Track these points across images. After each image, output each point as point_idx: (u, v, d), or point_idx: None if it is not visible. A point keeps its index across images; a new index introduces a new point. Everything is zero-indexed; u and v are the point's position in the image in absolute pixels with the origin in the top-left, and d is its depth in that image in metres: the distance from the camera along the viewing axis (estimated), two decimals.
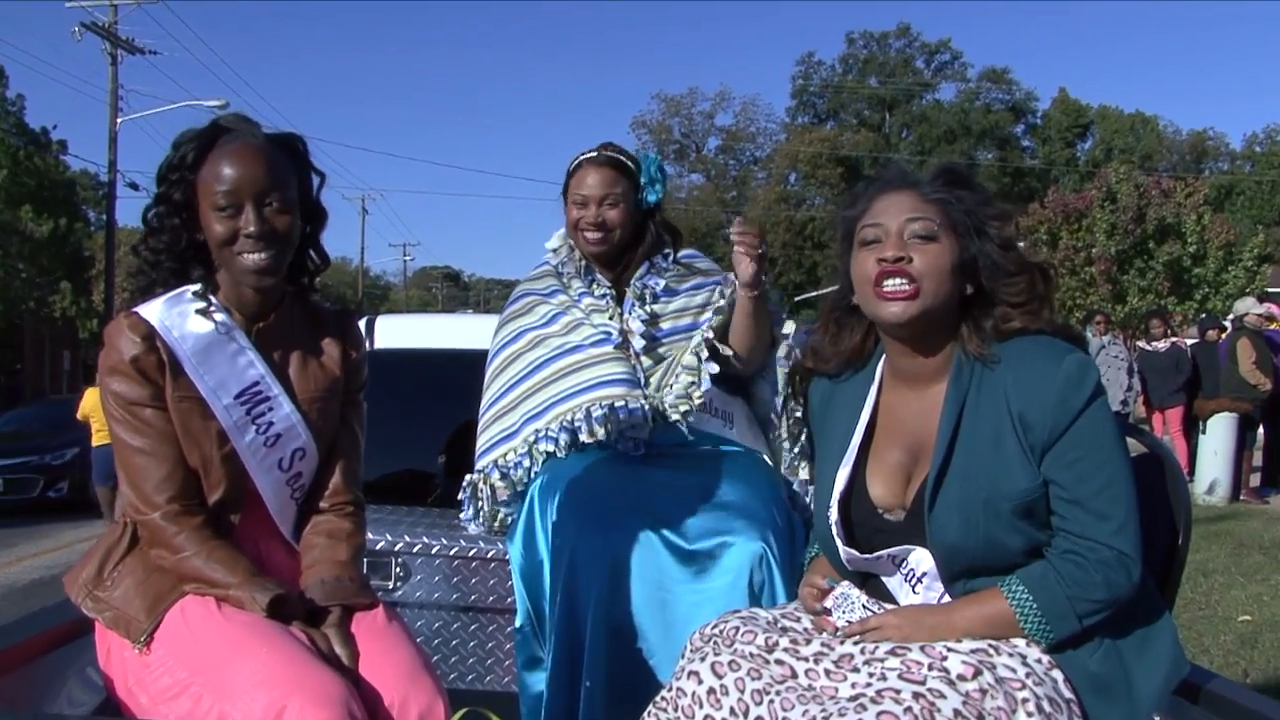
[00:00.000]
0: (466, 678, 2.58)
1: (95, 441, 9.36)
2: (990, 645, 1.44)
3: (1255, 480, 10.12)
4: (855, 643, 1.48)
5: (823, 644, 1.51)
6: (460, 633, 2.59)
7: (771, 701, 1.42)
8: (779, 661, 1.48)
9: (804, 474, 2.29)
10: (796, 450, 2.29)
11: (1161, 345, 10.26)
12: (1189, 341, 10.80)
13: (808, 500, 2.26)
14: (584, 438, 2.20)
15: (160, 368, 1.63)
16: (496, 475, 2.29)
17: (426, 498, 3.02)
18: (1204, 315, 14.92)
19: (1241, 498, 9.36)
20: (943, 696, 1.34)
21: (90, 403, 9.56)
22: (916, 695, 1.34)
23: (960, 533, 1.47)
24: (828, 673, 1.45)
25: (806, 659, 1.48)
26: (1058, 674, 1.44)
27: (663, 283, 2.36)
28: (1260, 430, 9.95)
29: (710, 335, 2.30)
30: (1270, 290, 17.98)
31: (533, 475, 2.25)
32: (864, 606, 1.54)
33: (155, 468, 1.62)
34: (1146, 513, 1.50)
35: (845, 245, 1.63)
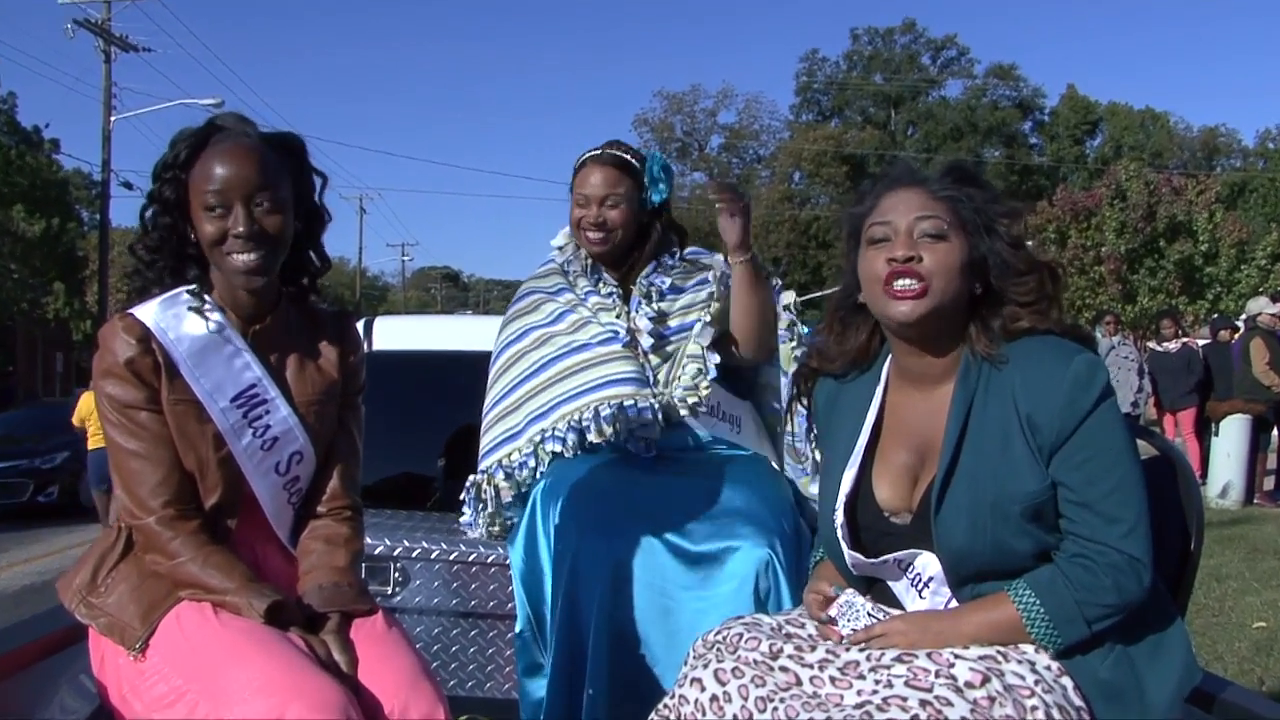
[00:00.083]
0: (466, 684, 2.58)
1: (91, 445, 9.37)
2: (998, 652, 1.44)
3: (1269, 483, 10.10)
4: (861, 649, 1.48)
5: (828, 651, 1.51)
6: (460, 639, 2.59)
7: (775, 709, 1.42)
8: (783, 669, 1.48)
9: (814, 489, 2.30)
10: (806, 462, 2.29)
11: (1173, 346, 10.25)
12: (1201, 342, 10.79)
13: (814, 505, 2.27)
14: (592, 437, 2.20)
15: (155, 370, 1.63)
16: (501, 476, 2.29)
17: (426, 502, 3.02)
18: (1216, 315, 14.91)
19: (1255, 501, 9.34)
20: (950, 704, 1.34)
21: (86, 407, 9.57)
22: (923, 703, 1.34)
23: (967, 536, 1.47)
24: (833, 680, 1.45)
25: (811, 666, 1.48)
26: (1067, 681, 1.44)
27: (669, 280, 2.37)
28: (1275, 432, 9.95)
29: (708, 319, 2.30)
30: None
31: (538, 476, 2.25)
32: (869, 614, 1.54)
33: (150, 472, 1.62)
34: (1158, 516, 1.49)
35: (852, 243, 1.63)
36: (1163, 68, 72.55)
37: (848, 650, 1.50)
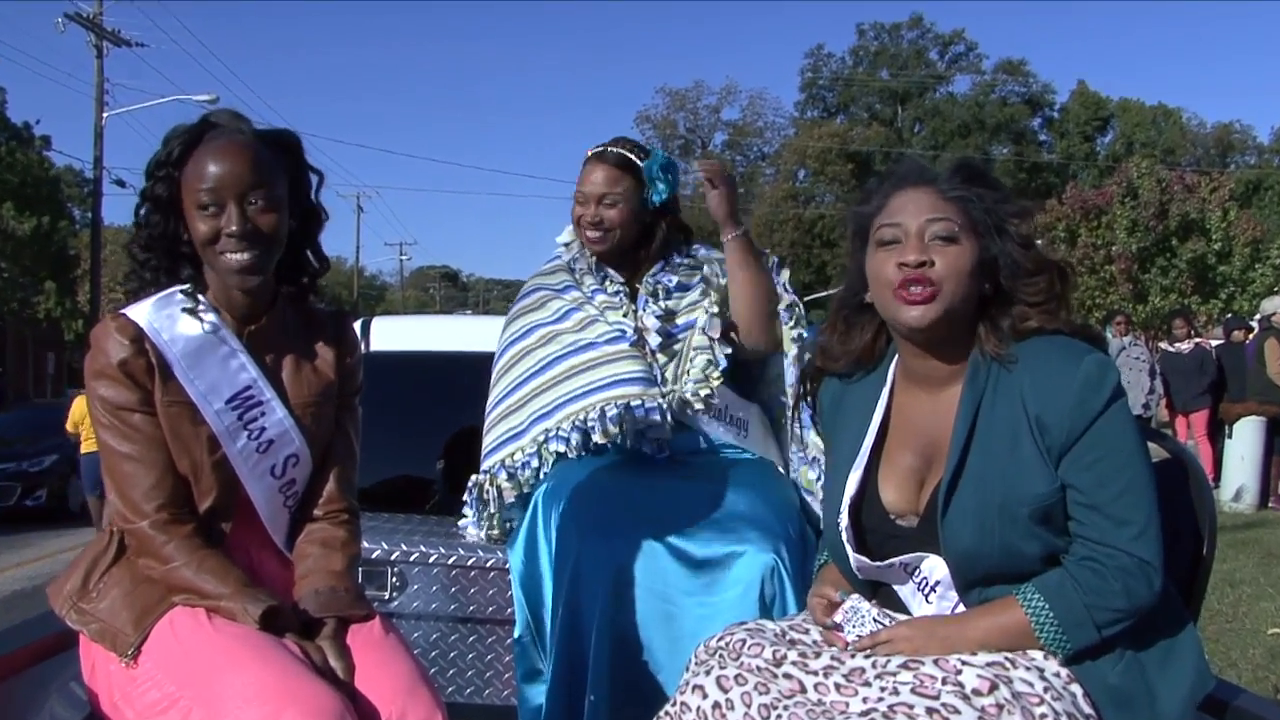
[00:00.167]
0: (465, 691, 2.58)
1: (84, 449, 9.38)
2: (1006, 658, 1.44)
3: None
4: (866, 656, 1.48)
5: (833, 657, 1.51)
6: (459, 644, 2.59)
7: (779, 716, 1.42)
8: (787, 675, 1.48)
9: (811, 475, 2.30)
10: (807, 450, 2.29)
11: (1185, 346, 10.24)
12: (1214, 342, 10.78)
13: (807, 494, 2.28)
14: (597, 438, 2.20)
15: (149, 371, 1.63)
16: (504, 476, 2.29)
17: (424, 505, 3.02)
18: (1229, 315, 14.92)
19: (1270, 505, 9.33)
20: (957, 712, 1.34)
21: (79, 411, 9.57)
22: (930, 711, 1.34)
23: (975, 539, 1.48)
24: (838, 687, 1.45)
25: (816, 673, 1.48)
26: (1076, 688, 1.44)
27: (676, 278, 2.38)
28: None
29: (714, 310, 2.31)
30: None
31: (541, 476, 2.25)
32: (875, 619, 1.54)
33: (144, 475, 1.62)
34: (1169, 520, 1.49)
35: (858, 243, 1.63)
36: (1175, 63, 72.62)
37: (853, 656, 1.50)
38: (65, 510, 11.72)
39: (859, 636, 1.52)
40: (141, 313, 1.66)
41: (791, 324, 2.32)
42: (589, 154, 2.39)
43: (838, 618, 1.56)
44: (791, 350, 2.30)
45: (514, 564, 2.23)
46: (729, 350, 2.29)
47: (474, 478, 2.36)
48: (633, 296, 2.38)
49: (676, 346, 2.33)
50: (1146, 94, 59.48)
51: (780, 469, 2.36)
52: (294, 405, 1.73)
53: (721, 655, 1.54)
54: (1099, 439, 1.45)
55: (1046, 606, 1.44)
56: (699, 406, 2.26)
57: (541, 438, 2.25)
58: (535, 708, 2.15)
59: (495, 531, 2.40)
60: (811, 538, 2.13)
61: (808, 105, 48.16)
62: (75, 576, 1.68)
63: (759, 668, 1.49)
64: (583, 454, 2.23)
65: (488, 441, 2.36)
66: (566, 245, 2.49)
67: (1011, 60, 47.02)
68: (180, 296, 1.68)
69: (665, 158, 2.37)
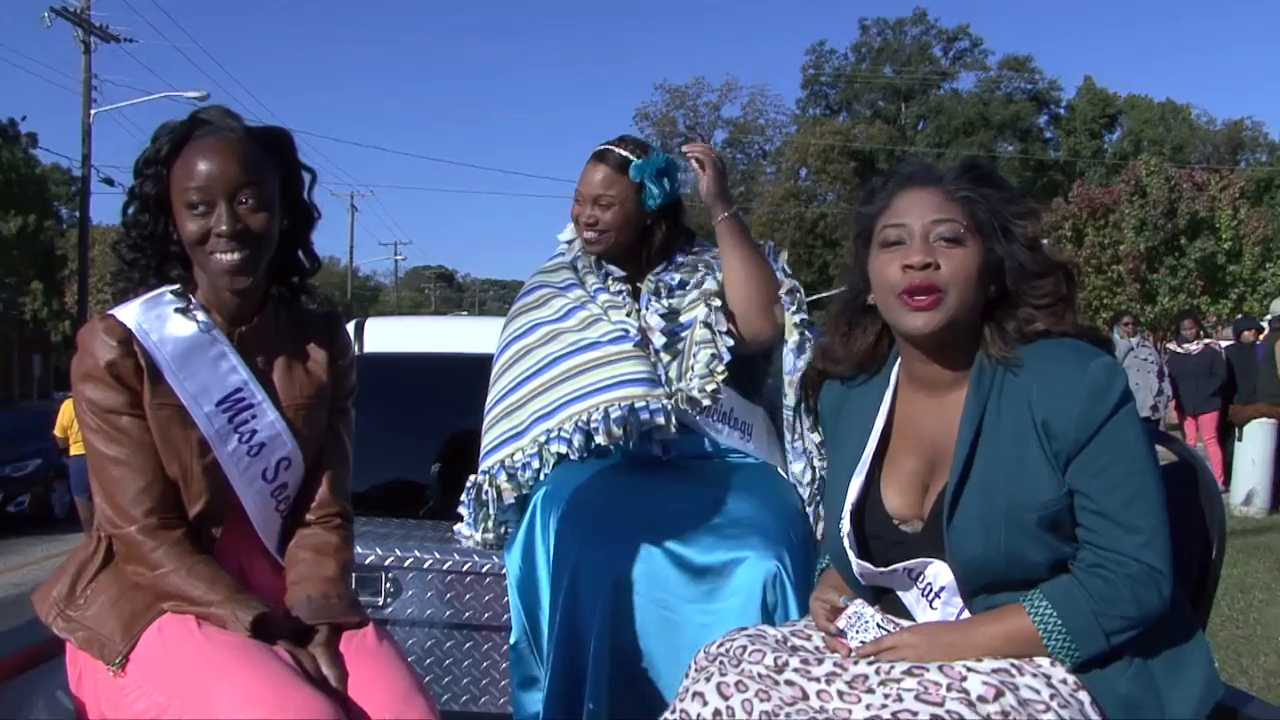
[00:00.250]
0: (460, 699, 2.58)
1: (73, 451, 9.38)
2: (1012, 665, 1.44)
3: None
4: (870, 662, 1.48)
5: (835, 664, 1.50)
6: (454, 651, 2.59)
7: None
8: (789, 682, 1.48)
9: (796, 468, 2.31)
10: (799, 441, 2.29)
11: (1194, 347, 10.25)
12: (1223, 343, 10.80)
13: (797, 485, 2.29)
14: (600, 439, 2.20)
15: (138, 373, 1.63)
16: (503, 477, 2.28)
17: (418, 509, 3.03)
18: (1240, 316, 14.92)
19: None
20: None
21: (68, 416, 9.57)
22: (935, 718, 1.35)
23: (981, 545, 1.48)
24: (840, 694, 1.45)
25: (818, 679, 1.48)
26: (1084, 695, 1.44)
27: (678, 276, 2.38)
28: None
29: (718, 303, 2.31)
30: None
31: (542, 477, 2.25)
32: (878, 626, 1.54)
33: (132, 479, 1.62)
34: (1177, 525, 1.50)
35: (862, 243, 1.63)
36: (1185, 58, 72.69)
37: (856, 663, 1.50)
38: (49, 516, 11.70)
39: (862, 643, 1.52)
40: (130, 314, 1.66)
41: (794, 309, 2.33)
42: (592, 153, 2.39)
43: (841, 623, 1.56)
44: (793, 336, 2.31)
45: (511, 569, 2.23)
46: (731, 343, 2.29)
47: (472, 478, 2.36)
48: (635, 295, 2.38)
49: (680, 345, 2.33)
50: (1155, 90, 59.74)
51: (783, 473, 2.36)
52: (286, 408, 1.73)
53: (722, 662, 1.54)
54: (1107, 445, 1.45)
55: (1054, 614, 1.44)
56: (707, 403, 2.25)
57: (543, 438, 2.24)
58: (532, 715, 2.15)
59: (490, 535, 2.40)
60: (816, 544, 2.13)
61: (809, 102, 48.18)
62: (62, 583, 1.67)
63: (760, 674, 1.49)
64: (585, 456, 2.23)
65: (487, 441, 2.35)
66: (569, 243, 2.49)
67: (1017, 56, 47.09)
68: (170, 297, 1.68)
69: (663, 161, 2.36)
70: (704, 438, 2.32)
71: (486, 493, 2.32)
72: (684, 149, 2.36)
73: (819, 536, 2.17)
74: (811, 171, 43.32)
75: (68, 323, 26.07)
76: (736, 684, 1.49)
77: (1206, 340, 10.63)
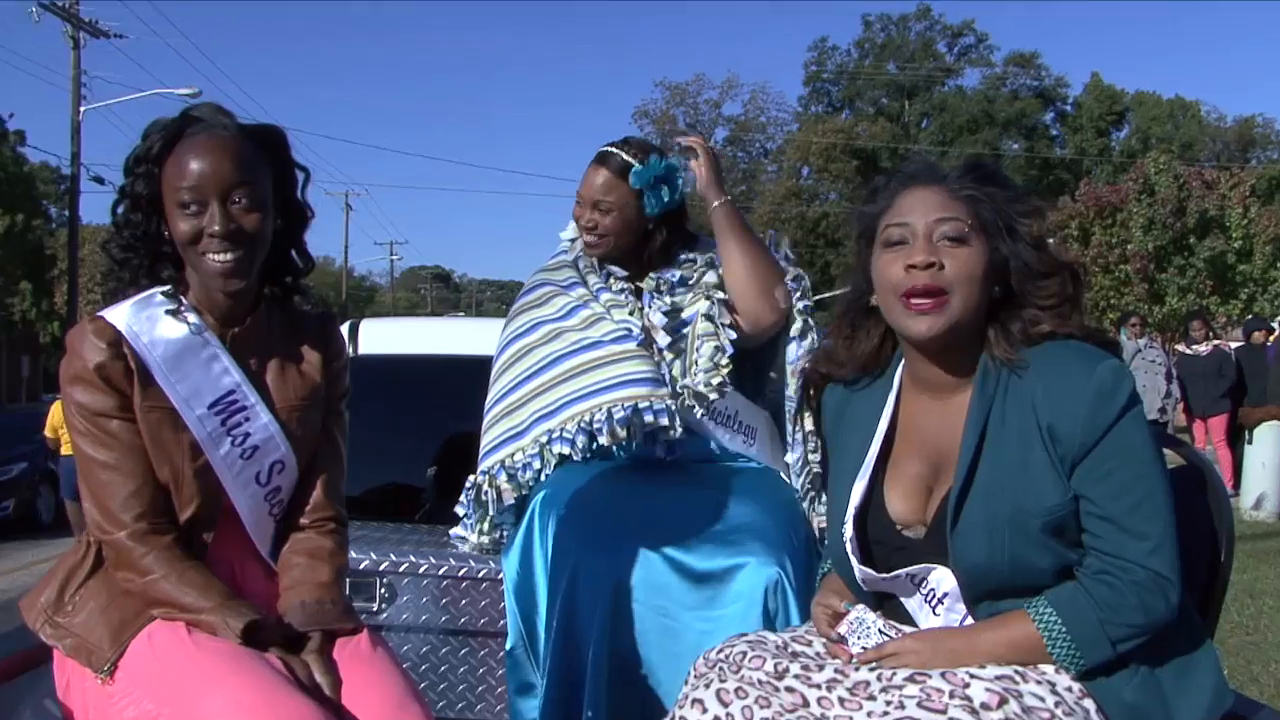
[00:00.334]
0: (456, 706, 2.58)
1: (64, 452, 9.37)
2: (1016, 672, 1.44)
3: None
4: (871, 669, 1.48)
5: (836, 670, 1.51)
6: (450, 658, 2.59)
7: None
8: (789, 689, 1.48)
9: (788, 459, 2.32)
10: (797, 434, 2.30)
11: (1203, 349, 10.25)
12: (1233, 345, 10.79)
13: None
14: (603, 440, 2.20)
15: (128, 376, 1.63)
16: (504, 477, 2.28)
17: (414, 514, 3.02)
18: (1250, 316, 14.91)
19: None
20: None
21: (58, 416, 9.56)
22: None
23: (985, 551, 1.48)
24: (842, 701, 1.45)
25: (819, 686, 1.48)
26: (1089, 704, 1.44)
27: (679, 273, 2.38)
28: None
29: (720, 296, 2.32)
30: None
31: (542, 478, 2.25)
32: (880, 631, 1.54)
33: (121, 483, 1.62)
34: (1186, 530, 1.50)
35: (865, 243, 1.64)
36: (1194, 54, 72.65)
37: (857, 670, 1.50)
38: (35, 521, 11.65)
39: (864, 649, 1.52)
40: (120, 315, 1.65)
41: (799, 295, 2.34)
42: (595, 154, 2.40)
43: (842, 629, 1.56)
44: (797, 322, 2.31)
45: (508, 573, 2.23)
46: (734, 335, 2.30)
47: (471, 478, 2.36)
48: (638, 294, 2.39)
49: (683, 342, 2.34)
50: (1163, 86, 59.67)
51: (786, 478, 2.36)
52: (279, 410, 1.73)
53: (721, 668, 1.54)
54: (1113, 449, 1.45)
55: (1059, 621, 1.44)
56: (714, 397, 2.26)
57: (544, 438, 2.24)
58: None
59: (486, 539, 2.40)
60: (818, 550, 2.13)
61: (812, 100, 48.15)
62: (50, 589, 1.67)
63: (760, 681, 1.50)
64: (588, 457, 2.23)
65: (487, 440, 2.35)
66: (571, 241, 2.49)
67: (1023, 52, 47.03)
68: (161, 298, 1.68)
69: (665, 168, 2.35)
70: (708, 439, 2.32)
71: (486, 493, 2.31)
72: (676, 139, 2.39)
73: (817, 534, 2.17)
74: (813, 170, 43.31)
75: (57, 323, 26.08)
76: (736, 690, 1.49)
77: (1216, 341, 10.62)
